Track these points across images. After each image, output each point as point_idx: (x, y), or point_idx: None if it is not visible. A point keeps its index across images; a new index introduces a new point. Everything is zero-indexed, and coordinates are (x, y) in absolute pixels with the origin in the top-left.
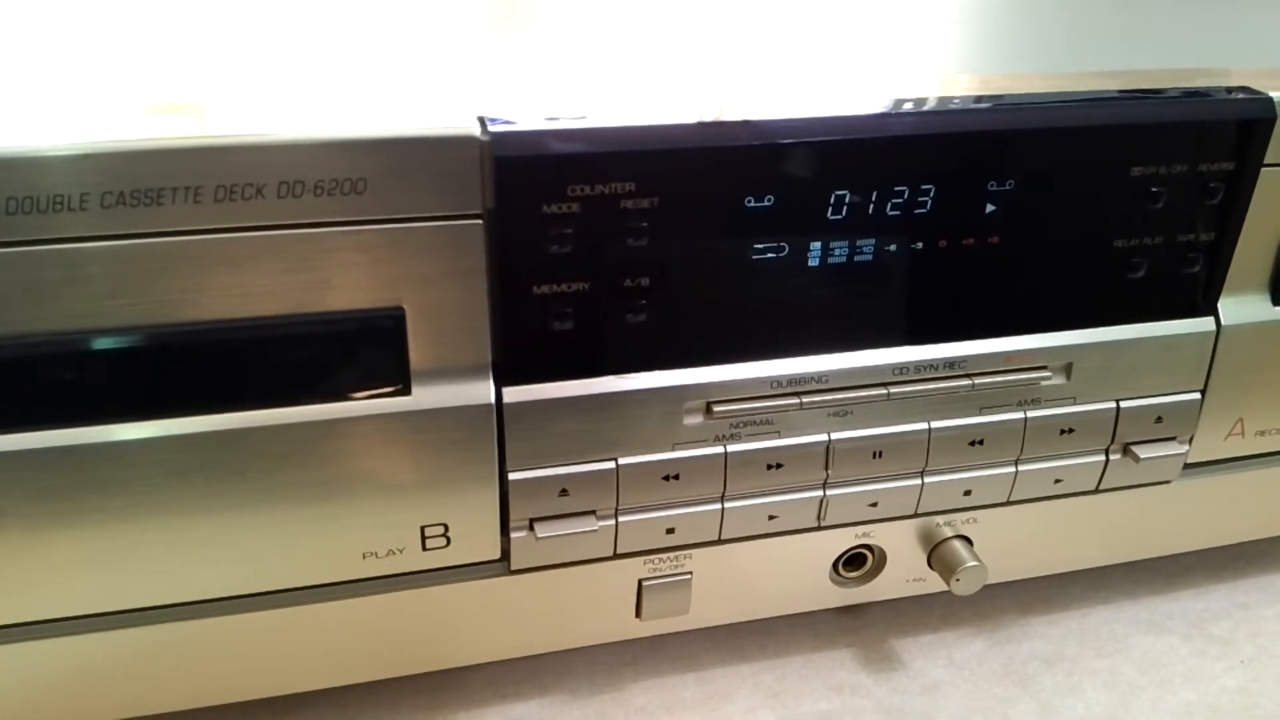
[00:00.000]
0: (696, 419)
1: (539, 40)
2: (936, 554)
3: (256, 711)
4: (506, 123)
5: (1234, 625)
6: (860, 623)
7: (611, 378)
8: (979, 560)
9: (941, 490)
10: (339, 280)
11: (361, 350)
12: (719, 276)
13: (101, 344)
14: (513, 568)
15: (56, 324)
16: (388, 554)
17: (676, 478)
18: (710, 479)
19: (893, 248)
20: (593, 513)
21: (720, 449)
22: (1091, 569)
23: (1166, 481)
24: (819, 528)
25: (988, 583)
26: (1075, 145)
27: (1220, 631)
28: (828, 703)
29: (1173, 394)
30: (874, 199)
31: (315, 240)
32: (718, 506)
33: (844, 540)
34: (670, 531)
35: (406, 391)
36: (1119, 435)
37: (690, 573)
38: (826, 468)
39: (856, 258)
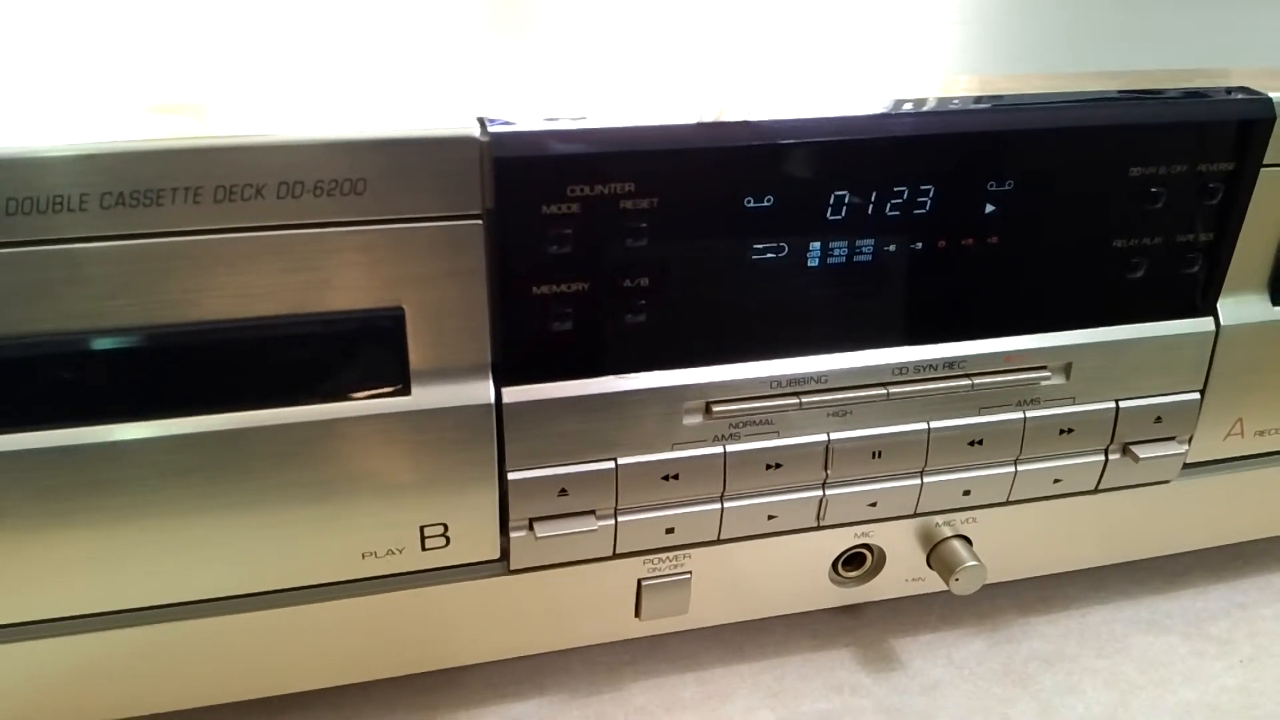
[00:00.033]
0: (696, 419)
1: (539, 40)
2: (936, 554)
3: (251, 712)
4: (506, 123)
5: (1233, 625)
6: (859, 622)
7: (611, 378)
8: (978, 560)
9: (941, 490)
10: (339, 280)
11: (361, 350)
12: (718, 277)
13: (101, 344)
14: (512, 567)
15: (56, 324)
16: (387, 554)
17: (676, 478)
18: (709, 479)
19: (892, 248)
20: (592, 512)
21: (720, 449)
22: (1091, 569)
23: (1166, 481)
24: (818, 527)
25: (987, 582)
26: (1075, 146)
27: (1219, 631)
28: (827, 702)
29: (1172, 394)
30: (873, 199)
31: (315, 240)
32: (717, 506)
33: (843, 540)
34: (669, 531)
35: (406, 392)
36: (1118, 435)
37: (689, 572)
38: (826, 468)
39: (856, 258)
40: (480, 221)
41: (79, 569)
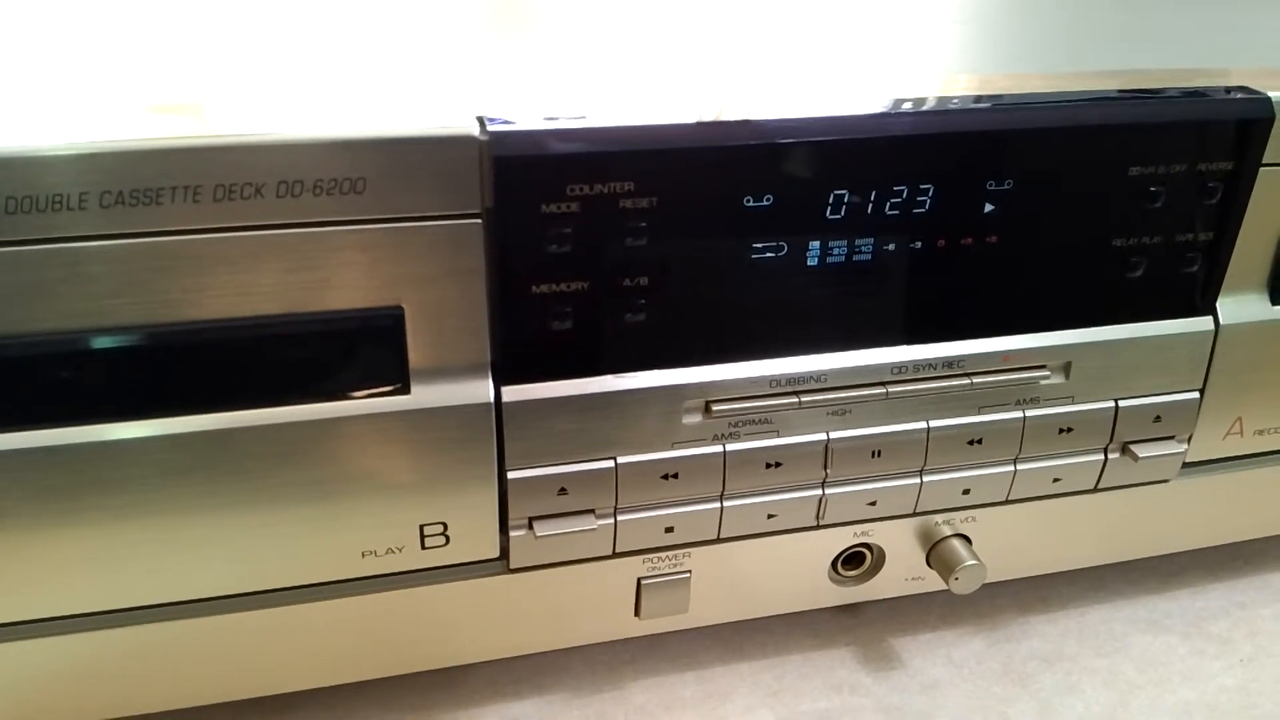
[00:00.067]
0: (695, 418)
1: (539, 40)
2: (935, 553)
3: (247, 711)
4: (506, 122)
5: (1232, 624)
6: (859, 621)
7: (610, 377)
8: (978, 559)
9: (940, 489)
10: (338, 280)
11: (361, 349)
12: (718, 276)
13: (101, 343)
14: (512, 566)
15: (56, 323)
16: (387, 553)
17: (675, 477)
18: (709, 478)
19: (891, 247)
20: (592, 511)
21: (719, 448)
22: (1090, 568)
23: (1165, 480)
24: (818, 526)
25: (987, 581)
26: (1074, 145)
27: (1219, 630)
28: (827, 701)
29: (1171, 393)
30: (873, 199)
31: (315, 240)
32: (716, 505)
33: (843, 539)
34: (669, 530)
35: (406, 391)
36: (1118, 434)
37: (689, 571)
38: (825, 467)
39: (855, 257)
40: (480, 221)
41: (80, 568)
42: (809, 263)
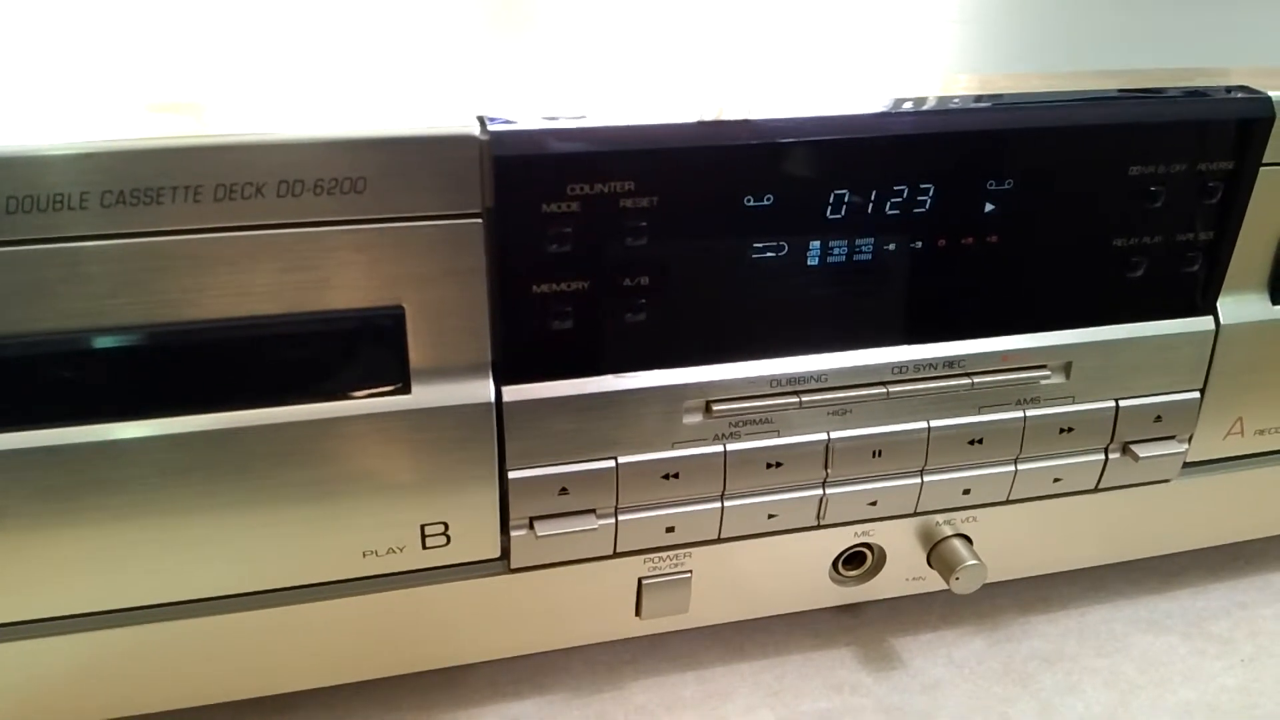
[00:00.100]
0: (696, 418)
1: (539, 40)
2: (936, 553)
3: (246, 712)
4: (506, 122)
5: (1233, 624)
6: (860, 621)
7: (611, 377)
8: (978, 559)
9: (941, 489)
10: (338, 279)
11: (361, 349)
12: (718, 276)
13: (101, 343)
14: (512, 566)
15: (56, 323)
16: (388, 552)
17: (676, 476)
18: (710, 478)
19: (892, 247)
20: (592, 511)
21: (720, 448)
22: (1091, 568)
23: (1166, 480)
24: (818, 526)
25: (987, 581)
26: (1074, 145)
27: (1219, 630)
28: (827, 701)
29: (1172, 393)
30: (873, 198)
31: (315, 239)
32: (717, 505)
33: (843, 539)
34: (670, 530)
35: (406, 390)
36: (1118, 434)
37: (690, 571)
38: (826, 467)
39: (856, 257)
40: (480, 220)
41: (80, 568)
42: (809, 262)
